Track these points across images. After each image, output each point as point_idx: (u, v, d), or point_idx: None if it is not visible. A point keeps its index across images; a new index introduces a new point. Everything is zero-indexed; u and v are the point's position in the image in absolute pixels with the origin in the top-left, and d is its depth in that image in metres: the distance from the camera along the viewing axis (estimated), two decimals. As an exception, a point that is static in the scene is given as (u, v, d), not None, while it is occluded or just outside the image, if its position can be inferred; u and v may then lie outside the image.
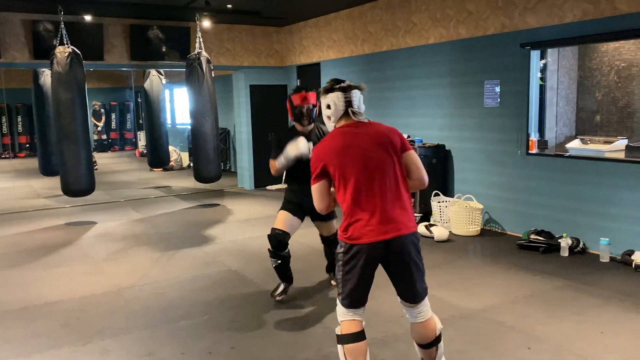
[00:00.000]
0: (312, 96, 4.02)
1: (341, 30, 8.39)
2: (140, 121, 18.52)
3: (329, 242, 4.41)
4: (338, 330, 2.68)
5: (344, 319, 2.66)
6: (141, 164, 14.05)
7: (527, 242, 5.49)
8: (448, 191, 6.72)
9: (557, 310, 3.89)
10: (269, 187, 9.75)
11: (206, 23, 8.15)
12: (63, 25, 6.93)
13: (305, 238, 6.07)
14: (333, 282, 4.39)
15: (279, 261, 4.12)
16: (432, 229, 5.98)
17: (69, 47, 6.81)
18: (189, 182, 10.28)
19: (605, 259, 5.02)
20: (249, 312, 4.03)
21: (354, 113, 2.73)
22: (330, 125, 2.82)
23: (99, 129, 17.81)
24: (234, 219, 7.33)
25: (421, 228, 6.00)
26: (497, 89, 6.04)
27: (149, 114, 10.13)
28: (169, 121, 12.94)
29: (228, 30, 9.29)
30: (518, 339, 3.44)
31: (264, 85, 9.78)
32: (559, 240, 5.30)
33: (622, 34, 5.11)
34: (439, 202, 6.43)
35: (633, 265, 4.76)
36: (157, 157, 10.35)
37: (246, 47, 9.53)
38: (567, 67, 7.14)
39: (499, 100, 6.04)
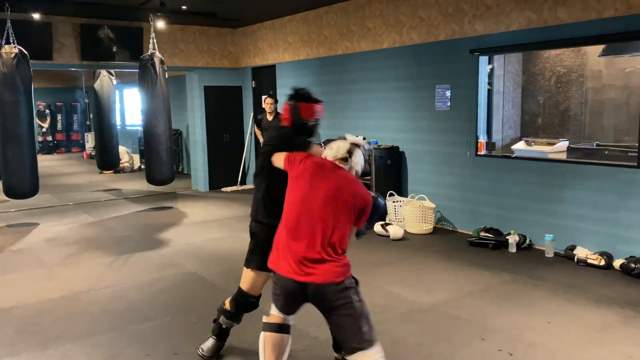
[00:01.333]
0: (321, 109, 3.15)
1: (296, 33, 8.48)
2: (88, 122, 18.04)
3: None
4: (264, 319, 2.76)
5: (272, 312, 2.76)
6: (89, 167, 13.67)
7: (477, 239, 5.74)
8: (402, 191, 6.92)
9: (507, 303, 4.11)
10: (224, 189, 9.72)
11: (160, 24, 8.06)
12: (9, 24, 6.71)
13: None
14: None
15: (235, 324, 3.34)
16: (387, 227, 6.16)
17: (15, 46, 6.60)
18: (140, 185, 10.11)
19: (550, 254, 5.31)
20: (211, 313, 4.02)
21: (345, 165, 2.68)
22: (323, 153, 2.77)
23: (44, 130, 17.22)
24: (189, 222, 7.28)
25: (377, 227, 6.17)
26: (448, 93, 6.28)
27: (99, 114, 9.91)
28: (119, 122, 12.65)
29: (182, 31, 9.21)
30: (472, 331, 3.63)
31: (219, 86, 9.75)
32: (507, 237, 5.58)
33: (562, 42, 5.44)
34: (393, 201, 6.61)
35: (575, 260, 5.07)
36: (107, 159, 10.13)
37: (200, 48, 9.48)
38: (513, 72, 7.49)
39: (449, 104, 6.29)
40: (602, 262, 4.88)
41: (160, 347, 3.47)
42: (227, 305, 3.27)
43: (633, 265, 4.65)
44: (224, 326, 3.30)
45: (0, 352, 3.43)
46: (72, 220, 7.40)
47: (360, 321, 2.47)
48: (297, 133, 3.09)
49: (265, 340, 2.73)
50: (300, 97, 3.12)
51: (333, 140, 3.01)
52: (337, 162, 2.68)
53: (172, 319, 3.94)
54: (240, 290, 3.20)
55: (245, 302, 3.21)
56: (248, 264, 3.18)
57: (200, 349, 3.32)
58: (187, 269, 5.18)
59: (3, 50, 6.51)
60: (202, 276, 4.95)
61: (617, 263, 4.84)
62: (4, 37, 6.69)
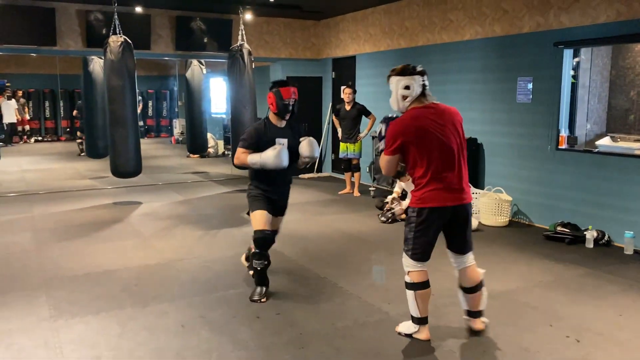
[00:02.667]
0: (296, 91, 4.06)
1: (378, 24, 8.65)
2: (176, 109, 19.11)
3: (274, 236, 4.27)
4: (409, 279, 3.25)
5: (413, 269, 3.24)
6: (177, 151, 14.58)
7: (553, 233, 5.71)
8: (478, 183, 6.96)
9: (578, 295, 4.14)
10: (301, 176, 10.10)
11: (248, 16, 8.50)
12: (116, 16, 7.36)
13: (337, 224, 6.41)
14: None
15: (266, 262, 4.02)
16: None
17: (121, 36, 7.24)
18: (225, 169, 10.70)
19: (629, 251, 5.22)
20: (290, 284, 4.38)
21: (427, 95, 3.17)
22: (403, 105, 3.19)
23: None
24: (271, 204, 7.68)
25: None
26: (530, 86, 6.24)
27: (190, 102, 10.57)
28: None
29: (267, 23, 9.63)
30: (540, 318, 3.71)
31: (300, 77, 10.11)
32: (585, 233, 5.52)
33: (654, 35, 5.26)
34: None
35: (656, 258, 4.96)
36: (197, 144, 10.78)
37: (284, 39, 9.87)
38: (600, 66, 7.28)
39: (531, 96, 6.25)
40: (685, 262, 4.75)
41: (244, 311, 3.83)
42: (252, 250, 4.08)
43: None
44: (258, 268, 4.00)
45: (110, 305, 3.93)
46: (165, 199, 8.03)
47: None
48: (282, 113, 4.02)
49: (419, 297, 3.25)
50: (277, 83, 4.03)
51: None
52: (418, 104, 3.23)
53: (254, 288, 4.29)
54: (255, 231, 4.01)
55: (260, 235, 3.96)
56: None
57: (252, 297, 4.02)
58: (267, 246, 5.54)
59: (111, 39, 7.17)
60: (280, 252, 5.28)
61: (701, 264, 4.69)
62: (112, 28, 7.35)
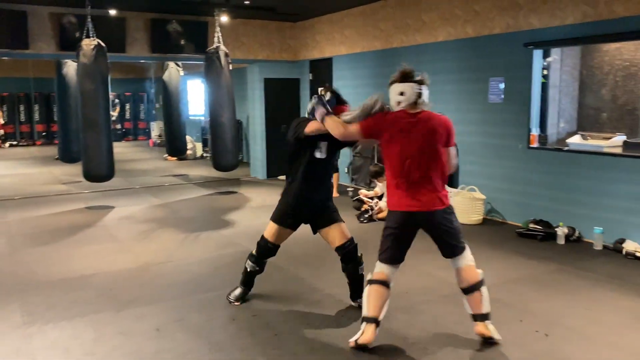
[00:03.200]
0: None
1: (353, 26, 8.72)
2: (154, 112, 18.98)
3: (347, 253, 3.82)
4: (369, 276, 3.33)
5: (377, 270, 3.30)
6: (155, 154, 14.48)
7: (526, 230, 5.83)
8: (453, 182, 7.06)
9: (549, 290, 4.25)
10: (280, 177, 10.13)
11: (224, 18, 8.50)
12: (90, 19, 7.30)
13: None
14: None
15: (257, 268, 3.97)
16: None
17: (94, 39, 7.18)
18: (204, 171, 10.68)
19: (598, 246, 5.36)
20: (267, 287, 4.40)
21: (419, 104, 3.23)
22: (396, 109, 3.28)
23: (113, 118, 18.26)
24: (250, 206, 7.71)
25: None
26: (502, 86, 6.36)
27: (168, 104, 10.52)
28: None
29: (243, 25, 9.63)
30: (511, 313, 3.81)
31: (278, 78, 10.14)
32: (556, 229, 5.65)
33: (618, 36, 5.44)
34: (444, 192, 6.77)
35: (623, 252, 5.10)
36: (175, 146, 10.74)
37: (261, 41, 9.88)
38: (570, 66, 7.44)
39: (502, 96, 6.37)
40: (652, 256, 4.90)
41: (220, 314, 3.85)
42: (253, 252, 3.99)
43: (683, 259, 4.66)
44: (248, 269, 3.98)
45: (85, 310, 3.92)
46: (142, 202, 7.99)
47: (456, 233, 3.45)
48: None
49: (370, 291, 3.30)
50: (333, 97, 3.68)
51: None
52: (407, 109, 3.29)
53: (234, 287, 4.30)
54: (262, 236, 3.93)
55: (263, 244, 3.89)
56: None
57: (229, 296, 4.05)
58: (246, 247, 5.52)
59: (84, 42, 7.11)
60: (259, 255, 5.31)
61: (667, 257, 4.85)
62: (85, 31, 7.29)
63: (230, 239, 5.90)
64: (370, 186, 7.79)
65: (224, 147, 8.19)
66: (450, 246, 3.33)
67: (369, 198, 6.98)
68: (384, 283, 3.27)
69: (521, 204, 6.30)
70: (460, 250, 3.35)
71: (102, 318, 3.78)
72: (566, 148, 6.12)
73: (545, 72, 7.03)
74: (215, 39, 8.19)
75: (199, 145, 13.70)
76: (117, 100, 18.31)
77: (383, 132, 3.25)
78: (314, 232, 3.93)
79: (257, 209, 7.52)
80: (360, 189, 7.57)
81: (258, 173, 10.30)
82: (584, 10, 5.46)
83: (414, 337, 3.44)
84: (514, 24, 6.16)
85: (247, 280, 4.06)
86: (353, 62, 8.81)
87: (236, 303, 4.00)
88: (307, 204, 3.78)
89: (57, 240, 5.84)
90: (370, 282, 3.30)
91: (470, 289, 3.34)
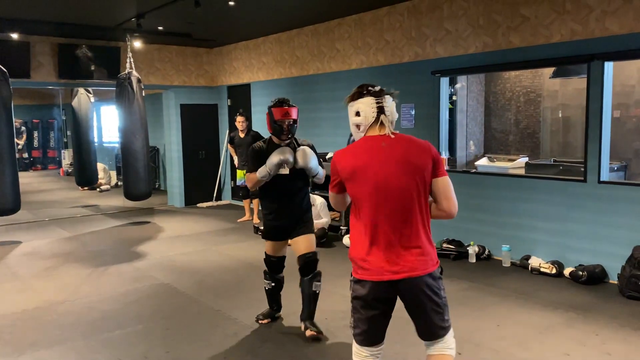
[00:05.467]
0: (294, 111, 3.82)
1: (270, 53, 8.78)
2: (65, 139, 18.10)
3: (308, 263, 3.88)
4: None
5: (356, 358, 2.52)
6: (66, 183, 13.75)
7: (439, 250, 6.02)
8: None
9: (461, 308, 4.38)
10: (199, 205, 9.91)
11: (137, 43, 8.30)
12: (-11, 43, 6.88)
13: (235, 252, 6.32)
14: (308, 333, 3.82)
15: (273, 284, 4.09)
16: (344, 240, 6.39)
17: (-6, 65, 6.77)
18: (117, 201, 10.24)
19: (506, 263, 5.62)
20: (182, 321, 4.24)
21: (383, 122, 2.46)
22: (358, 136, 2.53)
23: (20, 147, 17.20)
24: (165, 236, 7.45)
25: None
26: (412, 112, 6.61)
27: (77, 131, 10.06)
28: (96, 139, 12.77)
29: (158, 50, 9.45)
30: (426, 333, 3.88)
31: (195, 104, 9.98)
32: (467, 248, 5.88)
33: (515, 65, 5.82)
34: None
35: (529, 269, 5.38)
36: (86, 176, 10.26)
37: (176, 67, 9.72)
38: (476, 92, 7.89)
39: (413, 121, 6.61)
40: (554, 271, 5.19)
41: (132, 352, 3.65)
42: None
43: (580, 273, 4.98)
44: (266, 287, 4.13)
45: (-23, 358, 3.59)
46: (49, 236, 7.51)
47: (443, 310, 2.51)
48: (277, 133, 3.82)
49: None
50: (274, 103, 3.86)
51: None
52: (373, 133, 2.51)
53: (144, 327, 4.12)
54: (265, 253, 4.09)
55: (267, 259, 4.06)
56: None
57: (257, 316, 4.19)
58: (160, 280, 5.35)
59: (-18, 69, 6.67)
60: (174, 287, 5.13)
61: (567, 271, 5.16)
62: (-17, 56, 6.86)
63: (143, 272, 5.66)
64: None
65: (136, 175, 7.90)
66: (429, 326, 2.44)
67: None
68: None
69: (434, 224, 6.48)
70: (440, 333, 2.45)
71: (-4, 365, 3.48)
72: (474, 170, 6.43)
73: (454, 97, 7.40)
74: (127, 65, 7.96)
75: (114, 174, 13.16)
76: (23, 128, 17.30)
77: (342, 174, 2.46)
78: (290, 238, 4.00)
79: (172, 238, 7.28)
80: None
81: (175, 201, 10.01)
82: (485, 41, 5.81)
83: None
84: (422, 53, 6.44)
85: (270, 299, 4.18)
86: (270, 88, 8.85)
87: (264, 321, 4.15)
88: (285, 217, 3.93)
89: (-51, 282, 5.35)
90: None
91: None
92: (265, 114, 3.95)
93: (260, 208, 4.22)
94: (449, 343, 2.47)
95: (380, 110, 2.46)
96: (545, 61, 5.49)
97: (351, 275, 2.45)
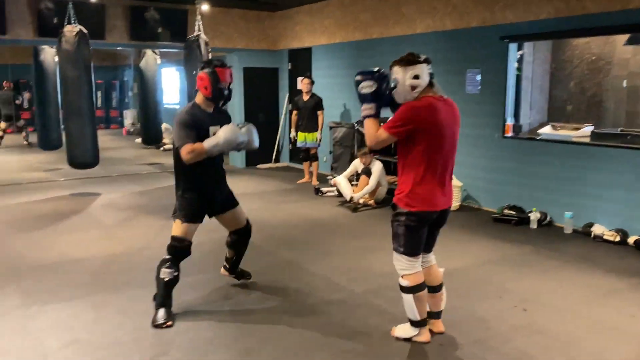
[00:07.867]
0: (232, 74, 3.59)
1: (333, 17, 8.86)
2: (127, 100, 18.76)
3: (248, 230, 4.05)
4: (405, 282, 3.08)
5: (408, 272, 3.07)
6: (129, 142, 14.37)
7: (501, 215, 6.12)
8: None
9: (524, 270, 4.52)
10: (259, 166, 10.24)
11: (204, 6, 8.52)
12: (71, 5, 7.25)
13: (299, 211, 6.59)
14: (222, 273, 4.13)
15: (176, 273, 3.57)
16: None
17: (77, 26, 7.14)
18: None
19: (568, 230, 5.67)
20: (260, 268, 4.55)
21: (435, 85, 3.00)
22: (411, 97, 2.94)
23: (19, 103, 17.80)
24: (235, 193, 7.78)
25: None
26: (478, 78, 6.61)
27: (144, 92, 10.47)
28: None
29: (223, 13, 9.66)
30: (490, 290, 4.06)
31: (257, 67, 10.21)
32: (529, 214, 5.94)
33: (588, 31, 5.72)
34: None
35: (592, 236, 5.42)
36: (151, 135, 10.71)
37: (240, 30, 9.93)
38: (542, 59, 7.75)
39: (479, 87, 6.62)
40: (617, 239, 5.22)
41: (212, 296, 3.99)
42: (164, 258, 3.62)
43: (646, 241, 4.99)
44: (167, 278, 3.49)
45: (80, 292, 4.01)
46: (122, 189, 8.01)
47: None
48: (216, 99, 3.49)
49: (417, 299, 3.10)
50: (220, 63, 3.46)
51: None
52: (431, 94, 3.04)
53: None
54: (173, 237, 3.61)
55: (178, 244, 3.60)
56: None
57: (153, 323, 3.40)
58: (226, 232, 5.68)
59: (66, 29, 7.06)
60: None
61: (631, 239, 5.18)
62: (66, 18, 7.24)
63: (215, 224, 5.97)
64: (357, 178, 7.96)
65: (205, 136, 8.23)
66: (435, 241, 3.28)
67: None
68: (424, 285, 3.14)
69: (497, 191, 6.58)
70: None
71: (99, 299, 3.88)
72: (538, 137, 6.42)
73: (517, 64, 7.32)
74: (196, 28, 8.21)
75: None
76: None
77: (420, 125, 2.90)
78: (217, 214, 3.84)
79: (237, 195, 7.59)
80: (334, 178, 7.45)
81: (237, 162, 10.38)
82: (557, 6, 5.73)
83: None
84: (490, 18, 6.40)
85: (168, 292, 3.58)
86: (333, 52, 8.96)
87: (168, 323, 3.43)
88: (217, 192, 3.79)
89: (43, 227, 5.85)
90: (413, 289, 3.08)
91: (439, 287, 3.28)
92: (200, 75, 3.46)
93: (177, 188, 3.75)
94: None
95: (431, 76, 2.99)
96: (620, 27, 5.39)
97: (403, 209, 3.01)
